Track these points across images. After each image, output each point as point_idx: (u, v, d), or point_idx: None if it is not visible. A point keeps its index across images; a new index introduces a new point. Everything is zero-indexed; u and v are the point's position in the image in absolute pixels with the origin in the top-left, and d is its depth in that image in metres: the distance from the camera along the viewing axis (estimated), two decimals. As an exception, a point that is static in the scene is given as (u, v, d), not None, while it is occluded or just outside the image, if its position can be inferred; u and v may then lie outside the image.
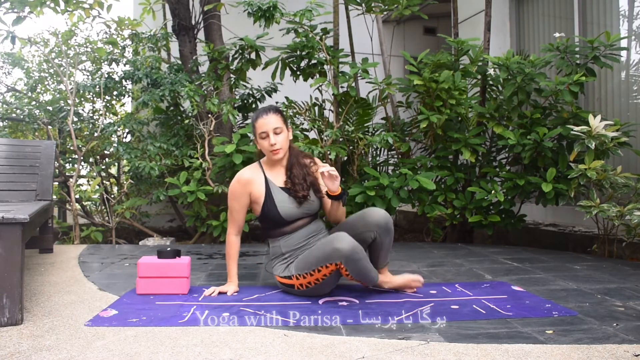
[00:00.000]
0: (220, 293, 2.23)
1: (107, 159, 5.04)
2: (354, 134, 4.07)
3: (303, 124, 4.37)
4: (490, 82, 4.04)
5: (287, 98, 4.29)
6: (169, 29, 4.88)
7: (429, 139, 4.13)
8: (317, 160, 2.42)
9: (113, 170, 5.39)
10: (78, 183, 4.66)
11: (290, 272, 2.20)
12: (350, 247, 1.99)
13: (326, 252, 2.04)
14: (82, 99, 5.19)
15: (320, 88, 4.00)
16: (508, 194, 3.70)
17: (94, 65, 5.04)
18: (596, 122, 3.12)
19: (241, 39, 4.10)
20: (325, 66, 4.00)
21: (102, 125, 4.38)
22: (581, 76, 3.44)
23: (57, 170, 4.00)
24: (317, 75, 4.04)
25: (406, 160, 4.05)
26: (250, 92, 4.75)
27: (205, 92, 4.21)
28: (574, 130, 3.18)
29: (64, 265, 2.92)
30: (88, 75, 5.07)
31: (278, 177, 2.30)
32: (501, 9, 5.21)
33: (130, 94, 4.74)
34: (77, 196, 4.38)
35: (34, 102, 5.17)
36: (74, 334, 1.66)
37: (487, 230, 3.81)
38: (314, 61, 4.02)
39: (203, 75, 4.35)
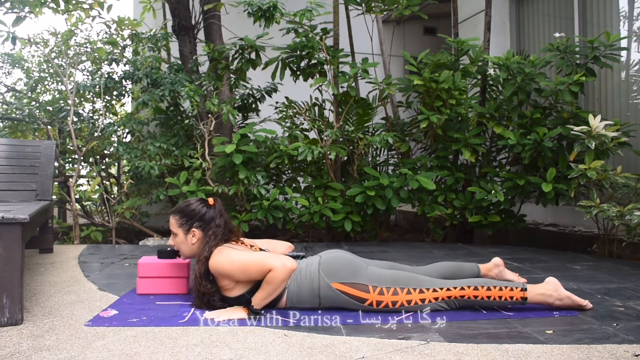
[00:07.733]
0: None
1: (107, 159, 5.04)
2: (354, 134, 4.07)
3: (303, 124, 4.37)
4: (490, 82, 4.04)
5: (287, 98, 4.30)
6: (169, 29, 4.88)
7: (429, 139, 4.13)
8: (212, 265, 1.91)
9: (113, 170, 5.40)
10: (78, 183, 4.66)
11: (364, 281, 1.91)
12: None
13: None
14: (82, 99, 5.19)
15: (320, 88, 4.00)
16: (508, 194, 3.70)
17: (94, 65, 5.04)
18: (596, 122, 3.12)
19: (241, 39, 4.10)
20: (325, 66, 4.00)
21: (102, 125, 4.38)
22: (581, 76, 3.44)
23: (57, 170, 4.00)
24: (317, 75, 4.04)
25: (406, 160, 4.05)
26: (250, 92, 4.75)
27: (205, 92, 4.20)
28: (574, 130, 3.18)
29: (64, 265, 2.92)
30: (88, 75, 5.07)
31: None
32: (501, 9, 5.21)
33: (130, 94, 4.74)
34: (77, 196, 4.38)
35: (34, 102, 5.17)
36: (74, 334, 1.66)
37: (487, 230, 3.80)
38: (314, 61, 4.02)
39: (203, 75, 4.35)
